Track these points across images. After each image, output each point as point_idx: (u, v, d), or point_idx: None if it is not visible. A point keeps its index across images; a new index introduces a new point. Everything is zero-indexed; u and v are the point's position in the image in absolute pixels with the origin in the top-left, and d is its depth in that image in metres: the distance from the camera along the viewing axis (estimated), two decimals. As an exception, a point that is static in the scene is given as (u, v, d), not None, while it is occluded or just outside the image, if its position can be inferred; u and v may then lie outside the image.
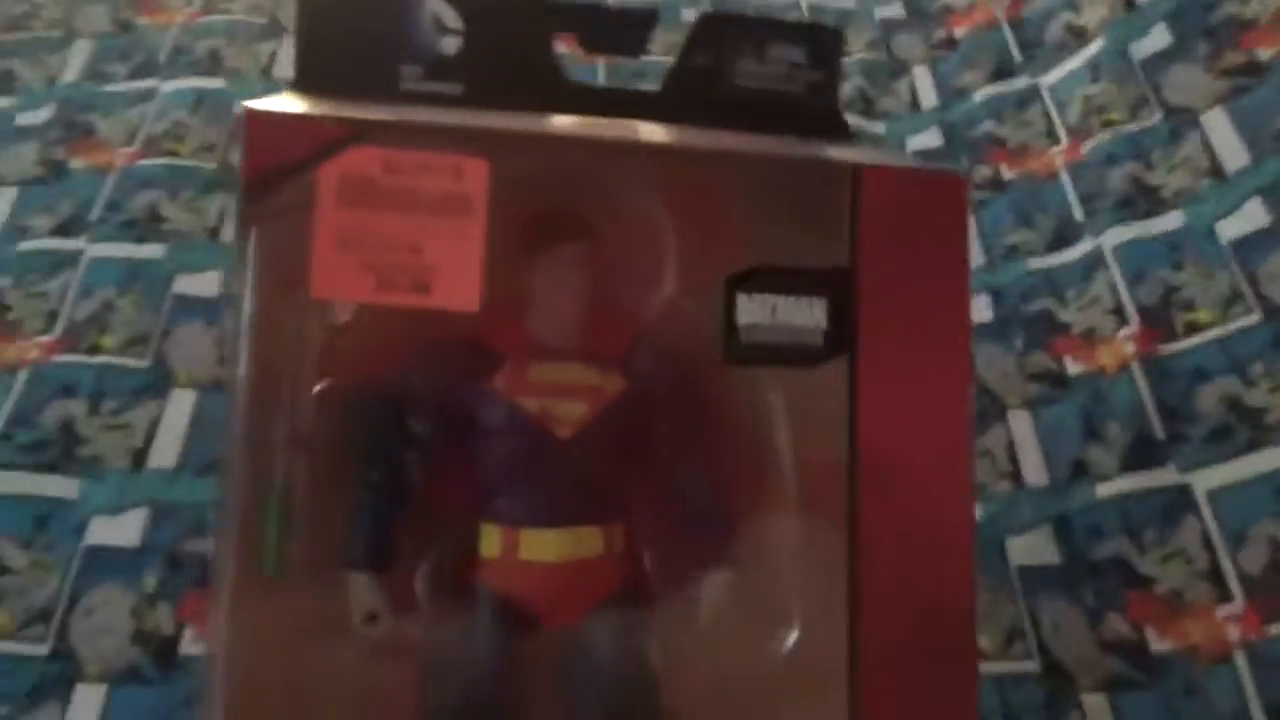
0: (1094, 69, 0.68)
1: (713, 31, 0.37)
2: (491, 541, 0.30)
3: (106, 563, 0.49)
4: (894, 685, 0.31)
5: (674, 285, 0.32)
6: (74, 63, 0.74)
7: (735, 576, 0.31)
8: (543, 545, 0.30)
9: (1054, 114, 0.69)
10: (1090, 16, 0.71)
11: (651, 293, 0.32)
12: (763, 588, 0.32)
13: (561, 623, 0.30)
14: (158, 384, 0.55)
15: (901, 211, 0.32)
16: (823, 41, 0.38)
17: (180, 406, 0.55)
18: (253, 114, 0.29)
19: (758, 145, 0.35)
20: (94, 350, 0.56)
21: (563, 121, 0.34)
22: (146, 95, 0.70)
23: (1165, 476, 0.50)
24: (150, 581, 0.48)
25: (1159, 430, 0.52)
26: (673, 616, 0.31)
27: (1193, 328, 0.54)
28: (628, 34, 0.37)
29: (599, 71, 0.73)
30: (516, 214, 0.30)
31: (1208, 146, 0.60)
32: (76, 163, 0.66)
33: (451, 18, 0.35)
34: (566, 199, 0.31)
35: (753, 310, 0.31)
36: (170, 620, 0.47)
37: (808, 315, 0.31)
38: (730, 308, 0.31)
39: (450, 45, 0.35)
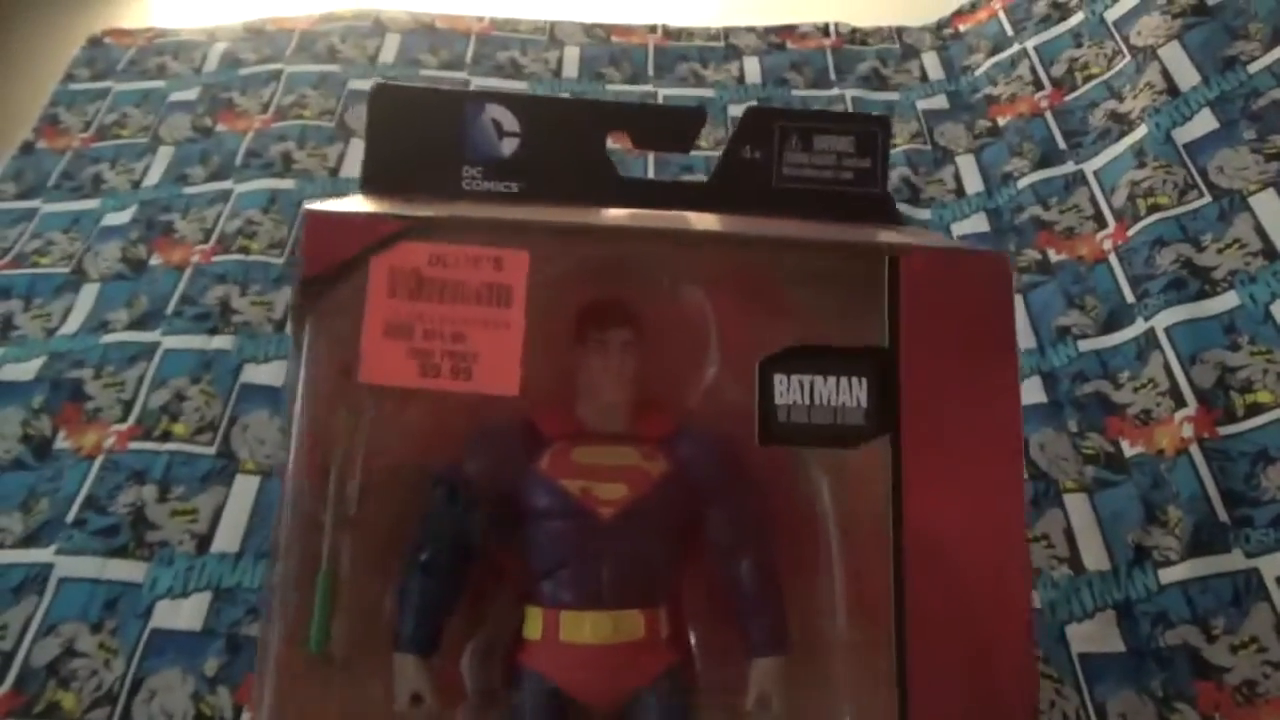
0: (1139, 154, 0.69)
1: (759, 125, 0.38)
2: (534, 624, 0.31)
3: (170, 646, 0.50)
4: None
5: (717, 368, 0.33)
6: (157, 166, 0.79)
7: (785, 664, 0.31)
8: (582, 627, 0.30)
9: (1100, 198, 0.69)
10: (1133, 104, 0.72)
11: (695, 376, 0.33)
12: (812, 676, 0.31)
13: (604, 706, 0.30)
14: (224, 470, 0.57)
15: (943, 292, 0.32)
16: (870, 130, 0.38)
17: (244, 491, 0.57)
18: (312, 214, 0.31)
19: (796, 230, 0.36)
20: (165, 437, 0.59)
21: (610, 213, 0.36)
22: (222, 196, 0.74)
23: (1232, 562, 0.49)
24: (211, 665, 0.49)
25: (1222, 514, 0.50)
26: (719, 703, 0.31)
27: (1254, 409, 0.54)
28: (677, 131, 0.39)
29: (648, 165, 0.76)
30: (564, 303, 0.31)
31: (1259, 228, 0.60)
32: (156, 259, 0.70)
33: (509, 120, 0.37)
34: (612, 287, 0.32)
35: (789, 391, 0.31)
36: (229, 704, 0.48)
37: (847, 395, 0.31)
38: (766, 389, 0.31)
39: (509, 146, 0.37)
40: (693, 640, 0.32)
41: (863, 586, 0.32)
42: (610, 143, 0.38)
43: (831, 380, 0.31)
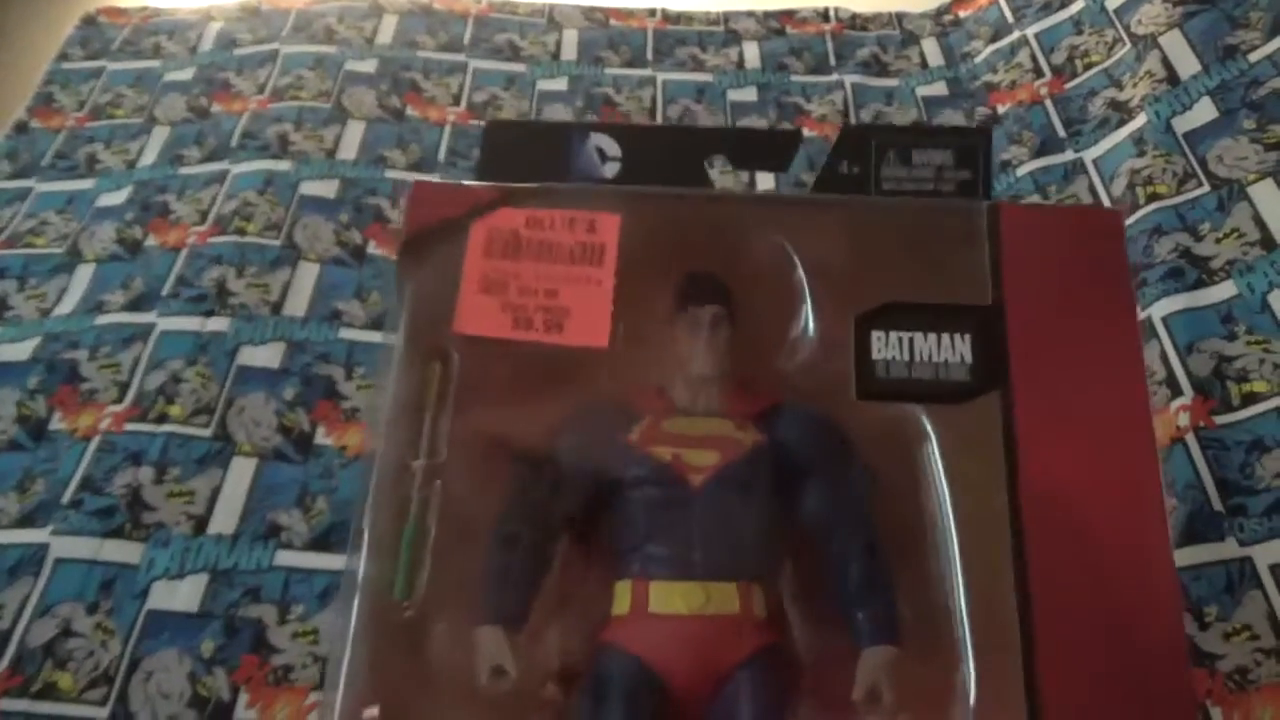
0: (1138, 142, 0.69)
1: (856, 142, 0.37)
2: (622, 598, 0.29)
3: (166, 627, 0.50)
4: None
5: (811, 328, 0.32)
6: (152, 147, 0.78)
7: (896, 654, 0.28)
8: (672, 597, 0.28)
9: (1099, 187, 0.69)
10: (1133, 92, 0.72)
11: (787, 337, 0.32)
12: (930, 664, 0.28)
13: (694, 687, 0.28)
14: (221, 452, 0.57)
15: (1049, 248, 0.31)
16: (970, 143, 0.37)
17: (241, 473, 0.57)
18: (417, 184, 0.33)
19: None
20: (162, 419, 0.58)
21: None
22: (218, 177, 0.74)
23: (1225, 550, 0.49)
24: (208, 646, 0.49)
25: (1217, 503, 0.51)
26: (821, 693, 0.29)
27: (1250, 398, 0.54)
28: (774, 152, 0.38)
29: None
30: (655, 275, 0.31)
31: (1257, 217, 0.60)
32: (151, 241, 0.70)
33: (611, 146, 0.37)
34: (699, 253, 0.33)
35: (888, 347, 0.31)
36: (226, 685, 0.48)
37: (950, 351, 0.30)
38: (863, 345, 0.31)
39: (611, 170, 0.37)
40: (794, 627, 0.30)
41: (979, 557, 0.29)
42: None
43: (933, 336, 0.30)
